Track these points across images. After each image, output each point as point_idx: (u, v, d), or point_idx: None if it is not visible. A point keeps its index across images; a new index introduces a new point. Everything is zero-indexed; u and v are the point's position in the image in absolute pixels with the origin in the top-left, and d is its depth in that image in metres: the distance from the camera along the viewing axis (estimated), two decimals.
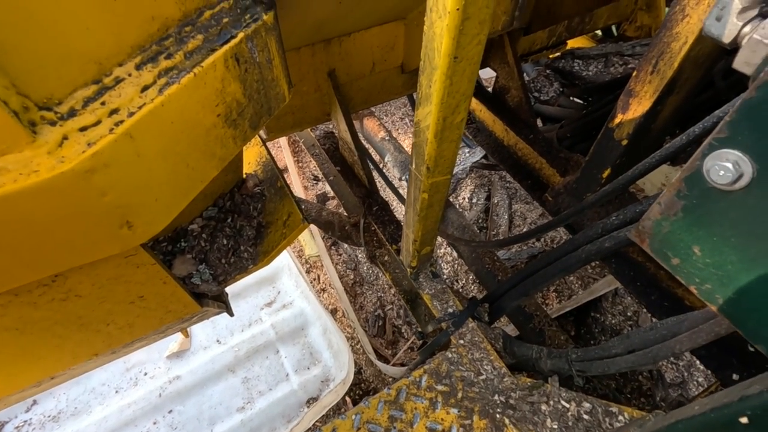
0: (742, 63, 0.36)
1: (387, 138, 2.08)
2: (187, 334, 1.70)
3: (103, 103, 0.38)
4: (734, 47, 0.37)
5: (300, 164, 2.71)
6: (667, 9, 1.79)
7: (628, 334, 0.85)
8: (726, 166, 0.36)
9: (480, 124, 1.62)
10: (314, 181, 2.65)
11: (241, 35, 0.49)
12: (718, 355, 1.01)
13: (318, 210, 1.42)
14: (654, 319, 1.68)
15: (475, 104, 1.58)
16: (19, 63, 0.32)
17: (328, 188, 2.54)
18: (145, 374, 1.70)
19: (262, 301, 1.96)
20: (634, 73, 0.90)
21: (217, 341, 1.80)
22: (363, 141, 2.14)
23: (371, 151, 2.14)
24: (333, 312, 2.12)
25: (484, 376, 0.92)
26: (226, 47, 0.48)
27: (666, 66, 0.83)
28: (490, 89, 1.61)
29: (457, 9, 0.47)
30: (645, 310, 2.09)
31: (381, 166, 2.28)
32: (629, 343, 0.82)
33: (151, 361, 1.73)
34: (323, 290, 2.22)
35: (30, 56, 0.32)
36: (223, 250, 0.75)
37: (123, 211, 0.43)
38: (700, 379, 1.95)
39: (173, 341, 1.77)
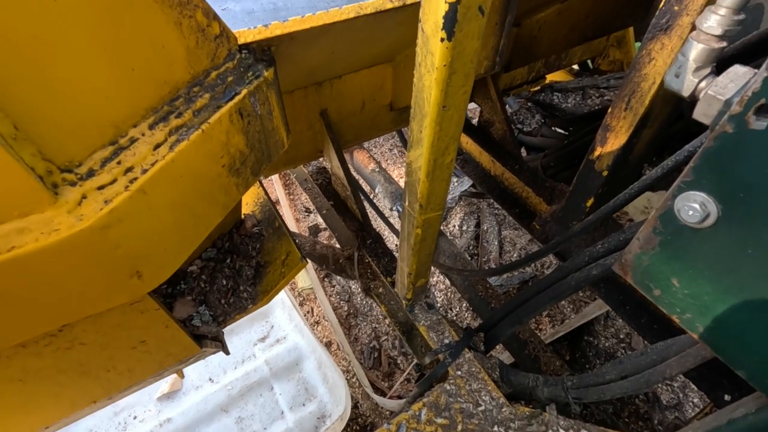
0: (701, 114, 0.40)
1: (377, 169, 2.13)
2: (181, 375, 1.66)
3: (119, 163, 0.41)
4: (693, 100, 0.42)
5: (291, 197, 2.73)
6: (637, 44, 1.91)
7: (620, 359, 0.87)
8: (694, 207, 0.40)
9: (467, 156, 1.67)
10: (306, 213, 2.67)
11: (244, 92, 0.53)
12: (709, 376, 1.03)
13: (312, 244, 1.44)
14: (646, 342, 1.71)
15: (462, 137, 1.64)
16: (46, 132, 0.35)
17: (319, 220, 2.56)
18: (135, 418, 1.65)
19: (256, 336, 1.94)
20: (610, 110, 0.97)
21: (210, 380, 1.76)
22: (354, 173, 2.19)
23: (362, 182, 2.18)
24: (327, 345, 2.10)
25: (482, 407, 0.92)
26: (230, 103, 0.51)
27: (638, 103, 0.89)
28: (475, 121, 1.68)
29: (444, 65, 0.52)
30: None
31: (372, 196, 2.32)
32: (622, 369, 0.84)
33: (141, 404, 1.68)
34: (317, 323, 2.20)
35: (56, 125, 0.35)
36: (223, 291, 0.76)
37: (134, 262, 0.44)
38: (695, 400, 1.96)
39: (164, 381, 1.73)
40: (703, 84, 0.41)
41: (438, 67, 0.52)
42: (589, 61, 2.10)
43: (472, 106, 2.12)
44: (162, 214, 0.45)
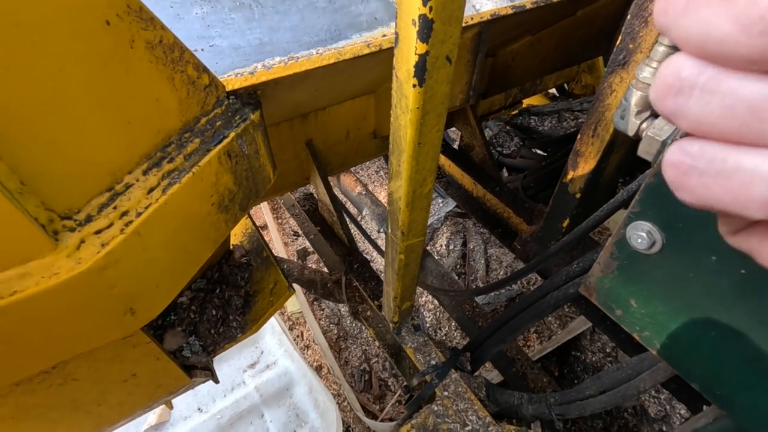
0: (644, 152, 0.45)
1: (364, 192, 2.17)
2: (170, 406, 1.64)
3: (115, 207, 0.44)
4: (637, 139, 0.47)
5: (279, 221, 2.76)
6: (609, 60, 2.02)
7: (599, 374, 0.91)
8: (642, 235, 0.45)
9: (450, 178, 1.73)
10: (294, 237, 2.69)
11: (232, 134, 0.57)
12: (687, 388, 1.07)
13: (300, 269, 1.46)
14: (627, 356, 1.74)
15: (444, 160, 1.70)
16: (49, 184, 0.38)
17: (308, 243, 2.58)
18: None
19: (245, 362, 1.93)
20: (579, 136, 1.03)
21: (198, 410, 1.74)
22: (341, 196, 2.23)
23: (349, 205, 2.22)
24: (318, 369, 2.09)
25: (469, 427, 0.94)
26: (219, 146, 0.55)
27: (604, 131, 0.95)
28: (456, 144, 1.75)
29: (417, 107, 0.57)
30: None
31: (359, 218, 2.35)
32: (600, 384, 0.87)
33: None
34: (307, 347, 2.20)
35: (58, 178, 0.38)
36: (213, 321, 0.78)
37: (128, 300, 0.47)
38: (682, 412, 2.00)
39: (152, 413, 1.70)
40: (644, 125, 0.46)
41: (412, 109, 0.57)
42: (565, 85, 2.21)
43: (453, 129, 2.19)
44: (155, 254, 0.48)
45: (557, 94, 2.28)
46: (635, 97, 0.46)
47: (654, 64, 0.43)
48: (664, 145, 0.42)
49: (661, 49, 0.43)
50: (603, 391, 0.86)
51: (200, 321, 0.77)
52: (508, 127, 1.91)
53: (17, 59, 0.32)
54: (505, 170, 1.98)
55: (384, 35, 1.39)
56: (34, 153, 0.35)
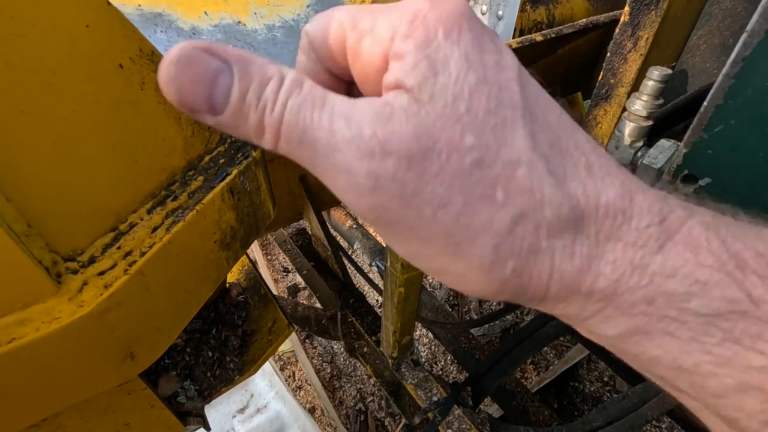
0: (640, 180, 0.47)
1: (354, 226, 2.17)
2: None
3: (119, 248, 0.43)
4: (633, 168, 0.49)
5: (269, 257, 2.72)
6: (586, 101, 2.11)
7: (605, 404, 0.89)
8: None
9: None
10: (284, 273, 2.65)
11: (235, 172, 0.57)
12: (691, 416, 1.06)
13: (293, 306, 1.43)
14: (626, 384, 1.72)
15: None
16: (55, 226, 0.37)
17: (298, 279, 2.54)
18: None
19: (234, 407, 1.84)
20: None
21: None
22: (331, 230, 2.22)
23: (340, 239, 2.21)
24: (311, 411, 2.01)
25: None
26: (222, 184, 0.55)
27: None
28: None
29: None
30: None
31: (350, 253, 2.34)
32: (607, 415, 0.86)
33: None
34: (299, 388, 2.12)
35: (64, 220, 0.38)
36: (209, 363, 0.75)
37: (128, 344, 0.45)
38: None
39: None
40: (639, 154, 0.48)
41: None
42: None
43: None
44: (158, 294, 0.47)
45: None
46: (628, 128, 0.49)
47: (644, 98, 0.46)
48: (660, 173, 0.43)
49: (650, 84, 0.46)
50: (610, 421, 0.84)
51: (196, 364, 0.74)
52: None
53: (32, 103, 0.32)
54: None
55: None
56: (42, 195, 0.35)
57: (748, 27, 0.33)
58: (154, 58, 0.42)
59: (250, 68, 0.21)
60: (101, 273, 0.41)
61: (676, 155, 0.38)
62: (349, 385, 2.13)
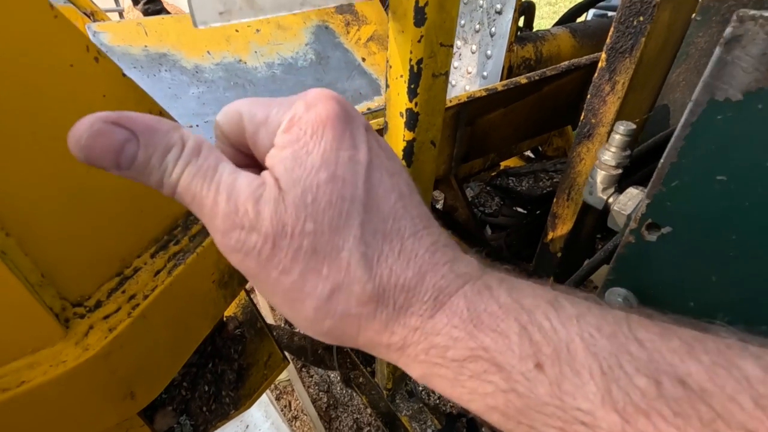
0: (613, 224, 0.50)
1: None
2: None
3: (123, 291, 0.46)
4: (605, 212, 0.52)
5: None
6: (575, 132, 2.19)
7: None
8: (619, 300, 0.48)
9: None
10: None
11: None
12: None
13: (289, 335, 1.44)
14: None
15: None
16: (66, 274, 0.40)
17: None
18: None
19: None
20: (555, 199, 1.10)
21: None
22: None
23: None
24: None
25: None
26: None
27: (577, 195, 1.03)
28: (440, 204, 1.82)
29: None
30: None
31: None
32: None
33: None
34: (295, 418, 2.09)
35: (75, 269, 0.41)
36: (204, 398, 0.76)
37: (129, 383, 0.47)
38: None
39: None
40: (610, 200, 0.52)
41: None
42: (540, 147, 2.36)
43: (436, 192, 2.28)
44: (159, 335, 0.49)
45: (532, 156, 2.43)
46: (600, 176, 0.53)
47: (612, 149, 0.50)
48: (629, 219, 0.47)
49: (617, 137, 0.49)
50: None
51: (192, 398, 0.75)
52: (488, 188, 2.01)
53: (54, 167, 0.36)
54: (489, 228, 2.05)
55: (368, 108, 1.51)
56: (56, 248, 0.38)
57: (693, 97, 0.37)
58: (161, 115, 0.46)
59: (154, 137, 0.25)
60: (106, 317, 0.44)
61: (640, 205, 0.42)
62: (345, 414, 2.10)
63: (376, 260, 0.26)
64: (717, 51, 0.34)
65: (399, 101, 0.54)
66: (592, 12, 3.01)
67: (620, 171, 0.52)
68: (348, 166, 0.26)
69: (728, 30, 0.32)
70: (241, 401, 0.77)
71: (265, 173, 0.26)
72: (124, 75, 0.39)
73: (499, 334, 0.24)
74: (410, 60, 0.50)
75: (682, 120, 0.37)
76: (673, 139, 0.39)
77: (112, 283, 0.46)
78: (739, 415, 0.19)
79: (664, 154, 0.40)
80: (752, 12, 0.31)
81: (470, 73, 1.53)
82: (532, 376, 0.23)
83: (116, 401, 0.47)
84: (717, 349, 0.21)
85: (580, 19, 2.12)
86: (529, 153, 2.46)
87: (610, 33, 0.80)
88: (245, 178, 0.26)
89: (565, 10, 2.09)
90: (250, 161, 0.32)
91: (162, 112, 0.46)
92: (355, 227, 0.25)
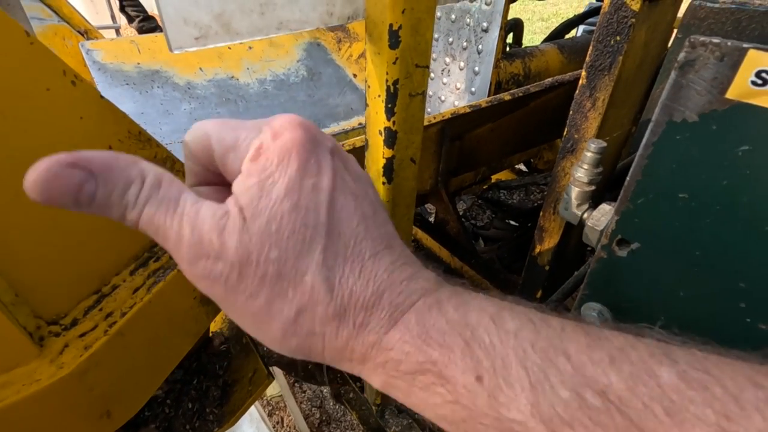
0: (587, 239, 0.51)
1: None
2: None
3: (100, 309, 0.46)
4: (581, 227, 0.53)
5: None
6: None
7: None
8: (593, 315, 0.49)
9: (428, 251, 1.78)
10: None
11: None
12: None
13: None
14: None
15: (422, 234, 1.76)
16: (41, 294, 0.40)
17: None
18: None
19: None
20: (542, 213, 1.11)
21: None
22: None
23: None
24: None
25: None
26: None
27: None
28: (432, 218, 1.83)
29: (388, 201, 0.63)
30: None
31: None
32: None
33: None
34: None
35: (50, 287, 0.41)
36: (188, 415, 0.76)
37: (105, 401, 0.47)
38: None
39: None
40: (585, 215, 0.53)
41: (383, 202, 0.63)
42: (531, 160, 2.39)
43: (428, 205, 2.30)
44: (137, 352, 0.49)
45: (524, 169, 2.45)
46: (574, 192, 0.54)
47: (585, 166, 0.51)
48: (601, 233, 0.48)
49: (589, 155, 0.51)
50: None
51: (175, 416, 0.74)
52: (479, 201, 2.02)
53: None
54: (481, 241, 2.06)
55: (360, 123, 1.52)
56: (31, 266, 0.38)
57: (653, 117, 0.39)
58: (141, 137, 0.47)
59: (112, 174, 0.26)
60: (82, 335, 0.44)
61: (611, 221, 0.42)
62: (338, 431, 2.07)
63: (338, 282, 0.27)
64: (673, 74, 0.35)
65: (378, 120, 0.55)
66: (581, 28, 3.07)
67: (593, 187, 0.53)
68: (311, 195, 0.27)
69: (681, 55, 0.34)
70: (225, 418, 0.76)
71: (229, 201, 0.27)
72: (102, 97, 0.40)
73: (445, 349, 0.25)
74: (386, 81, 0.51)
75: (644, 139, 0.39)
76: (637, 158, 0.40)
77: (90, 300, 0.46)
78: (651, 422, 0.20)
79: (630, 172, 0.41)
80: (702, 38, 0.32)
81: (459, 89, 1.56)
82: (473, 389, 0.24)
83: (92, 420, 0.47)
84: (639, 359, 0.22)
85: (570, 35, 2.17)
86: (520, 166, 2.49)
87: (589, 51, 0.82)
88: (208, 208, 0.26)
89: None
90: (218, 179, 0.33)
91: (141, 132, 0.47)
92: (318, 252, 0.27)
